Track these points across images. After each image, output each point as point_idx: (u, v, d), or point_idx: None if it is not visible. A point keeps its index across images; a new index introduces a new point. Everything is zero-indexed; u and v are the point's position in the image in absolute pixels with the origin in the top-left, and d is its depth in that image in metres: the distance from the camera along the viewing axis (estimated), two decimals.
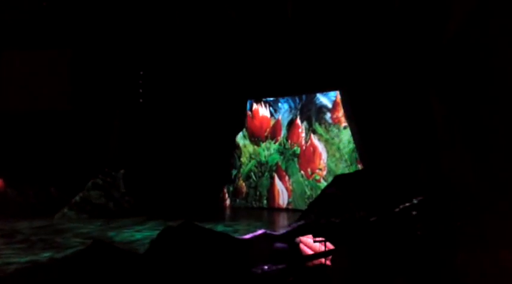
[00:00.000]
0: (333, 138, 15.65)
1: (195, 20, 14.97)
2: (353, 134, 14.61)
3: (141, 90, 17.26)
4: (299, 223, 9.86)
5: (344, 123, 15.44)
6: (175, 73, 17.15)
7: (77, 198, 15.66)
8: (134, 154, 17.26)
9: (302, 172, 16.24)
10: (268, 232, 9.66)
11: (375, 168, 13.94)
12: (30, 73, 17.57)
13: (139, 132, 17.40)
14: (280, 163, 16.79)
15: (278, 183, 16.77)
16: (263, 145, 17.28)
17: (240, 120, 17.69)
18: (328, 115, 15.80)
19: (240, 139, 17.78)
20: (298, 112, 16.51)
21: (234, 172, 17.82)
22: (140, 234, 12.10)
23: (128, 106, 17.43)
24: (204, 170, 17.24)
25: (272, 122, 17.13)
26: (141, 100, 17.21)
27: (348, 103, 14.46)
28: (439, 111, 10.20)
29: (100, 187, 15.94)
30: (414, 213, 8.90)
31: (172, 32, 15.08)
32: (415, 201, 8.97)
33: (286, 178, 16.58)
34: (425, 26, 10.65)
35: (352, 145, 15.23)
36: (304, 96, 16.39)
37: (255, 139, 17.50)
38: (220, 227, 12.26)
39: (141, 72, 17.26)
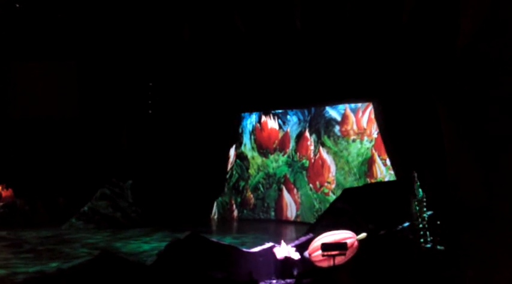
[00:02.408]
0: (341, 151, 15.58)
1: (204, 30, 15.02)
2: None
3: (150, 102, 17.30)
4: (307, 236, 9.80)
5: (353, 136, 15.39)
6: (183, 86, 17.19)
7: (85, 208, 15.68)
8: (142, 165, 17.28)
9: (310, 185, 16.17)
10: (276, 245, 9.61)
11: (390, 181, 13.88)
12: (39, 83, 17.68)
13: (147, 142, 17.43)
14: (288, 176, 16.74)
15: (286, 195, 16.71)
16: (271, 157, 17.25)
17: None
18: (337, 128, 15.74)
19: (249, 151, 17.76)
20: (307, 124, 16.46)
21: (242, 183, 17.79)
22: (148, 245, 12.09)
23: (136, 117, 17.48)
24: (206, 181, 17.35)
25: (281, 134, 17.10)
26: (150, 112, 17.25)
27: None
28: (446, 121, 10.20)
29: (108, 198, 15.95)
30: (423, 226, 8.85)
31: (181, 44, 15.14)
32: (424, 215, 8.92)
33: (295, 190, 16.52)
34: (436, 39, 10.66)
35: (361, 159, 15.17)
36: (313, 109, 16.33)
37: (263, 151, 17.48)
38: (227, 240, 12.22)
39: (150, 84, 17.31)
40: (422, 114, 12.40)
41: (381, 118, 14.38)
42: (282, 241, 9.43)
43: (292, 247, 9.39)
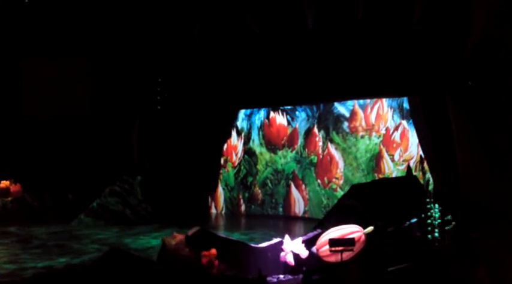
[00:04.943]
0: (350, 147, 15.57)
1: (214, 28, 15.02)
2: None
3: (159, 97, 17.31)
4: (315, 232, 9.81)
5: (361, 132, 15.37)
6: (191, 82, 17.18)
7: (94, 204, 15.73)
8: (152, 161, 17.31)
9: (319, 181, 16.17)
10: (284, 241, 9.60)
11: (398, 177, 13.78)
12: (50, 80, 17.75)
13: (156, 139, 17.45)
14: (296, 172, 16.73)
15: (294, 191, 16.71)
16: (280, 153, 17.24)
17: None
18: (345, 124, 15.73)
19: (257, 146, 17.75)
20: (316, 121, 16.44)
21: (250, 179, 17.79)
22: (156, 241, 12.11)
23: (146, 113, 17.50)
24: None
25: (289, 130, 17.07)
26: (159, 108, 17.26)
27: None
28: (456, 118, 10.17)
29: (117, 194, 15.99)
30: (431, 223, 8.81)
31: (191, 40, 15.13)
32: (433, 212, 8.88)
33: (303, 186, 16.52)
34: (447, 38, 10.63)
35: (369, 155, 15.16)
36: (321, 105, 16.31)
37: (272, 147, 17.46)
38: (236, 235, 12.23)
39: (160, 79, 17.32)
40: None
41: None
42: (286, 236, 9.36)
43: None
